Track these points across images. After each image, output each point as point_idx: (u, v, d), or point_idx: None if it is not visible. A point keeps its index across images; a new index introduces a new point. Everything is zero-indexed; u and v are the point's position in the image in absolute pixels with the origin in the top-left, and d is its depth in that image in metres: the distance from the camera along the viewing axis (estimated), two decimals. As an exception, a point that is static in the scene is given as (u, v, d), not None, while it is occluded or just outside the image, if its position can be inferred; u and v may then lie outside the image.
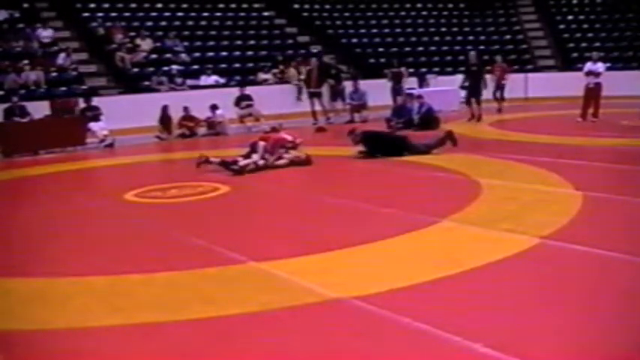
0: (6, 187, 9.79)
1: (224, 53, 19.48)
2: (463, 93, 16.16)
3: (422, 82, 19.10)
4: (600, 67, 14.27)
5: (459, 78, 16.40)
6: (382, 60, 20.21)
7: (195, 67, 18.36)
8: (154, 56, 18.18)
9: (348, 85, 17.24)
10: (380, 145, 10.18)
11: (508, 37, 23.73)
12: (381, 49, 21.51)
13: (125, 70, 17.50)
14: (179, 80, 17.33)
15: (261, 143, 9.72)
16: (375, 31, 22.70)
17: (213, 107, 14.96)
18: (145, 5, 20.63)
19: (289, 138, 10.06)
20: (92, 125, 13.83)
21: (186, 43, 19.19)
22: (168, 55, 18.38)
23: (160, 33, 19.22)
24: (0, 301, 4.55)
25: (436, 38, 23.01)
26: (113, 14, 19.58)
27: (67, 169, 10.90)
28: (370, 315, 3.92)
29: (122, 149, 13.17)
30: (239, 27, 21.01)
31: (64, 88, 16.10)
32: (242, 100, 15.82)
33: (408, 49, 21.90)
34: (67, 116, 14.12)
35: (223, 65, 18.78)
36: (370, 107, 16.68)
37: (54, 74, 16.40)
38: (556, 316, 3.80)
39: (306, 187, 8.59)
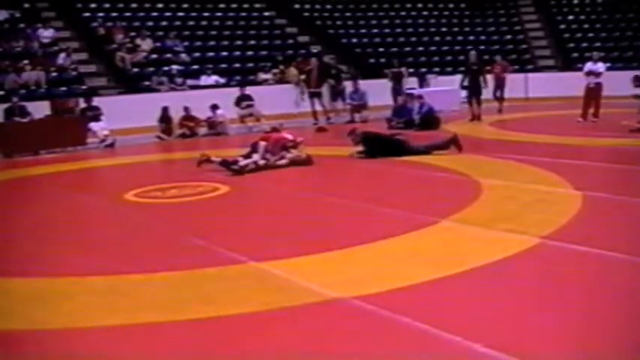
0: (6, 187, 9.79)
1: (224, 53, 19.48)
2: (463, 92, 16.15)
3: (422, 82, 19.11)
4: (601, 67, 14.26)
5: (459, 78, 16.39)
6: (382, 60, 20.22)
7: (196, 67, 18.37)
8: (154, 56, 18.20)
9: (348, 85, 17.24)
10: (379, 146, 10.18)
11: (508, 37, 23.74)
12: (381, 49, 21.52)
13: (125, 70, 17.50)
14: (179, 80, 17.34)
15: (262, 143, 9.72)
16: (375, 31, 22.70)
17: (214, 107, 14.97)
18: (146, 5, 20.64)
19: (290, 137, 10.06)
20: (93, 125, 13.83)
21: (186, 43, 19.20)
22: (168, 55, 18.39)
23: (161, 33, 19.23)
24: (0, 301, 4.55)
25: (436, 38, 23.01)
26: (114, 14, 19.59)
27: (67, 169, 10.90)
28: (370, 315, 3.92)
29: (122, 149, 13.17)
30: (239, 27, 21.02)
31: (64, 88, 16.12)
32: (242, 100, 15.82)
33: (408, 49, 21.91)
34: (68, 116, 14.13)
35: (223, 65, 18.79)
36: (370, 107, 16.68)
37: (54, 74, 16.41)
38: (556, 316, 3.80)
39: (306, 187, 8.59)
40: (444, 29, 23.50)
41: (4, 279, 5.00)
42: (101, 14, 19.31)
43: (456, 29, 23.58)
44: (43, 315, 4.18)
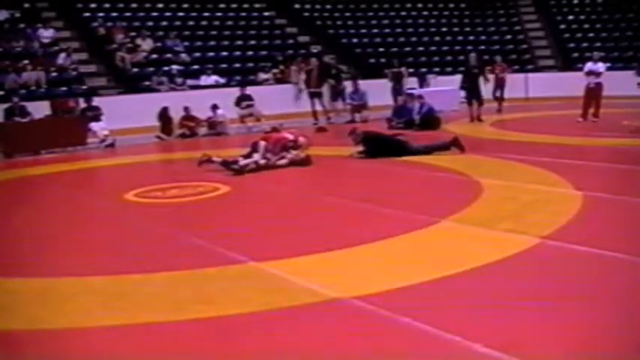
0: (6, 187, 9.79)
1: (224, 53, 19.48)
2: (462, 93, 16.15)
3: (422, 82, 19.10)
4: (601, 67, 14.25)
5: (459, 78, 16.39)
6: (382, 60, 20.21)
7: (196, 67, 18.37)
8: (154, 56, 18.20)
9: (348, 85, 17.24)
10: (380, 146, 10.18)
11: (508, 37, 23.73)
12: (381, 49, 21.51)
13: (125, 70, 17.50)
14: (179, 80, 17.33)
15: (262, 143, 9.72)
16: (375, 31, 22.70)
17: (214, 107, 14.97)
18: (146, 5, 20.64)
19: (291, 137, 10.03)
20: (93, 125, 13.84)
21: (186, 43, 19.20)
22: (168, 55, 18.39)
23: (161, 33, 19.23)
24: (0, 301, 4.55)
25: (436, 38, 23.01)
26: (114, 14, 19.59)
27: (67, 169, 10.90)
28: (370, 315, 3.92)
29: (123, 149, 13.17)
30: (240, 27, 21.02)
31: (64, 88, 16.12)
32: (242, 100, 15.82)
33: (408, 49, 21.90)
34: (68, 116, 14.13)
35: (224, 65, 18.79)
36: (370, 107, 16.68)
37: (54, 74, 16.41)
38: (556, 316, 3.80)
39: (306, 186, 8.59)
40: (444, 29, 23.49)
41: (4, 279, 5.01)
42: (101, 14, 19.31)
43: (456, 29, 23.58)
44: (43, 315, 4.18)
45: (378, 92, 16.82)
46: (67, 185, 9.55)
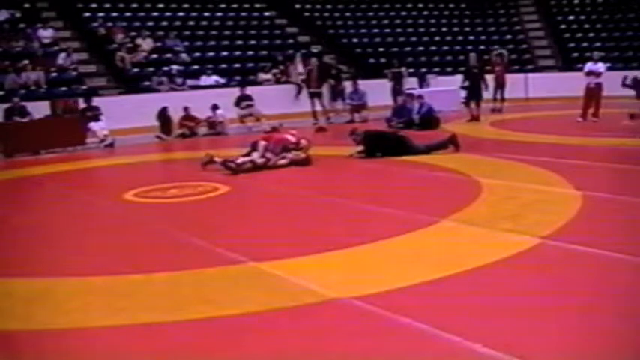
0: (6, 187, 9.79)
1: (224, 53, 19.48)
2: (463, 93, 16.16)
3: (422, 82, 19.10)
4: (601, 67, 14.26)
5: (459, 78, 16.40)
6: (382, 60, 20.21)
7: (196, 67, 18.37)
8: (154, 56, 18.19)
9: (348, 85, 17.24)
10: (381, 144, 10.19)
11: (508, 37, 23.72)
12: (381, 49, 21.51)
13: (125, 70, 17.50)
14: (179, 80, 17.33)
15: (262, 142, 9.70)
16: (375, 31, 22.69)
17: (214, 107, 14.97)
18: (146, 5, 20.63)
19: (292, 139, 9.97)
20: (92, 125, 13.84)
21: (186, 43, 19.20)
22: (168, 55, 18.39)
23: (161, 33, 19.22)
24: (0, 301, 4.55)
25: (436, 38, 23.00)
26: (114, 14, 19.58)
27: (67, 169, 10.89)
28: (370, 315, 3.92)
29: (122, 149, 13.17)
30: (240, 27, 21.02)
31: (64, 88, 16.11)
32: (242, 100, 15.82)
33: (408, 49, 21.89)
34: (68, 116, 14.13)
35: (224, 65, 18.79)
36: (370, 107, 16.68)
37: (54, 74, 16.41)
38: (556, 316, 3.80)
39: (306, 187, 8.58)
40: (444, 29, 23.48)
41: (4, 279, 5.01)
42: (101, 14, 19.29)
43: (456, 29, 23.57)
44: (43, 315, 4.18)
45: (377, 92, 16.82)
46: (66, 185, 9.55)
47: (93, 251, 5.77)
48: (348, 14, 23.34)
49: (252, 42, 20.37)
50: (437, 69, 20.95)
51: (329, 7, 23.40)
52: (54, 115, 14.08)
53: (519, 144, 11.04)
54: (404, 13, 24.03)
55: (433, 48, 22.46)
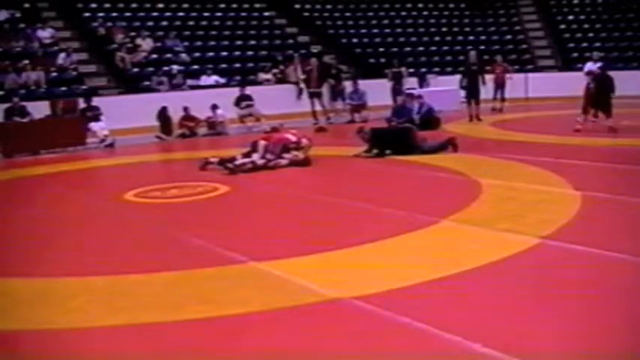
0: (6, 187, 9.79)
1: (224, 53, 19.49)
2: (463, 93, 16.16)
3: (422, 82, 19.10)
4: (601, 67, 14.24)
5: (459, 78, 16.39)
6: (382, 60, 20.22)
7: (196, 67, 18.37)
8: (154, 56, 18.20)
9: (348, 85, 17.24)
10: (389, 141, 10.23)
11: (508, 37, 23.73)
12: (381, 49, 21.53)
13: (125, 70, 17.50)
14: (179, 80, 17.33)
15: (262, 142, 9.69)
16: (375, 31, 22.71)
17: (214, 107, 14.97)
18: (146, 5, 20.65)
19: (293, 139, 9.96)
20: (92, 125, 13.83)
21: (186, 43, 19.21)
22: (168, 55, 18.40)
23: (161, 33, 19.24)
24: (0, 301, 4.55)
25: (436, 38, 23.02)
26: (114, 14, 19.61)
27: (67, 169, 10.89)
28: (370, 315, 3.92)
29: (122, 149, 13.17)
30: (240, 27, 21.03)
31: (64, 88, 16.12)
32: (242, 100, 15.82)
33: (408, 49, 21.92)
34: (68, 116, 14.13)
35: (223, 65, 18.80)
36: (370, 107, 16.67)
37: (54, 74, 16.41)
38: (556, 316, 3.80)
39: (306, 187, 8.58)
40: (444, 29, 23.50)
41: (4, 279, 5.01)
42: (101, 14, 19.32)
43: (456, 29, 23.58)
44: (44, 315, 4.18)
45: (377, 92, 16.82)
46: (66, 185, 9.54)
47: (93, 251, 5.77)
48: (348, 14, 23.36)
49: (252, 42, 20.39)
50: (437, 69, 20.98)
51: (329, 7, 23.42)
52: (54, 115, 14.07)
53: (519, 144, 11.04)
54: (404, 13, 24.05)
55: (433, 48, 22.48)
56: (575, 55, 21.71)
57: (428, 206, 6.73)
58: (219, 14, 21.34)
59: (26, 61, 15.96)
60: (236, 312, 4.06)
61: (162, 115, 14.57)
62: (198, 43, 19.63)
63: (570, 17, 24.08)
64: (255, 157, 9.53)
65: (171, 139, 14.39)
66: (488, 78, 16.45)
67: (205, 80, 17.62)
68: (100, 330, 3.92)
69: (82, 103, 14.53)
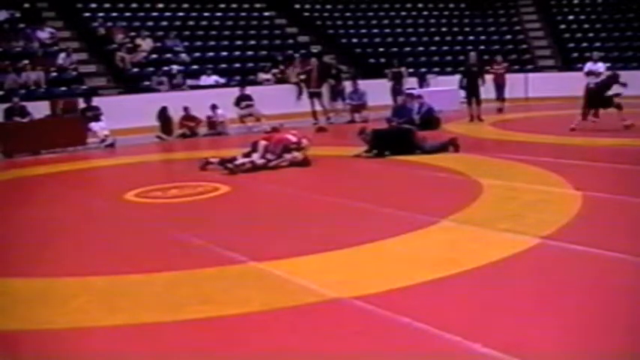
0: (6, 187, 9.79)
1: (224, 53, 19.49)
2: (462, 93, 16.15)
3: (422, 82, 19.10)
4: (601, 67, 14.28)
5: (459, 78, 16.38)
6: (382, 60, 20.21)
7: (196, 67, 18.37)
8: (154, 56, 18.20)
9: (347, 85, 17.23)
10: (390, 142, 10.24)
11: (508, 37, 23.73)
12: (381, 49, 21.52)
13: (125, 70, 17.50)
14: (179, 80, 17.33)
15: (262, 142, 9.69)
16: (375, 31, 22.71)
17: (213, 107, 14.97)
18: (146, 5, 20.65)
19: (293, 139, 9.94)
20: (93, 125, 13.83)
21: (186, 43, 19.21)
22: (168, 55, 18.40)
23: (161, 33, 19.24)
24: (0, 301, 4.55)
25: (436, 38, 23.01)
26: (114, 14, 19.61)
27: (67, 169, 10.90)
28: (370, 315, 3.92)
29: (123, 149, 13.17)
30: (239, 27, 21.03)
31: (64, 88, 16.12)
32: (242, 100, 15.81)
33: (408, 49, 21.91)
34: (68, 116, 14.13)
35: (223, 65, 18.80)
36: (370, 107, 16.65)
37: (54, 74, 16.41)
38: (556, 316, 3.80)
39: (306, 187, 8.58)
40: (444, 29, 23.49)
41: (4, 279, 5.01)
42: (101, 14, 19.31)
43: (456, 29, 23.57)
44: (44, 315, 4.18)
45: (377, 92, 16.81)
46: (67, 185, 9.55)
47: (93, 251, 5.77)
48: (348, 14, 23.36)
49: (252, 42, 20.39)
50: (437, 69, 20.97)
51: (329, 7, 23.42)
52: (54, 115, 14.07)
53: (519, 144, 11.04)
54: (404, 13, 24.05)
55: (433, 48, 22.47)
56: (575, 55, 21.70)
57: (428, 206, 6.73)
58: (219, 14, 21.34)
59: (26, 61, 15.96)
60: (236, 312, 4.06)
61: (163, 115, 14.57)
62: (198, 43, 19.63)
63: (570, 17, 24.08)
64: (255, 157, 9.53)
65: (171, 139, 14.39)
66: (488, 78, 16.45)
67: (205, 80, 17.62)
68: (100, 330, 3.92)
69: (82, 103, 14.52)
